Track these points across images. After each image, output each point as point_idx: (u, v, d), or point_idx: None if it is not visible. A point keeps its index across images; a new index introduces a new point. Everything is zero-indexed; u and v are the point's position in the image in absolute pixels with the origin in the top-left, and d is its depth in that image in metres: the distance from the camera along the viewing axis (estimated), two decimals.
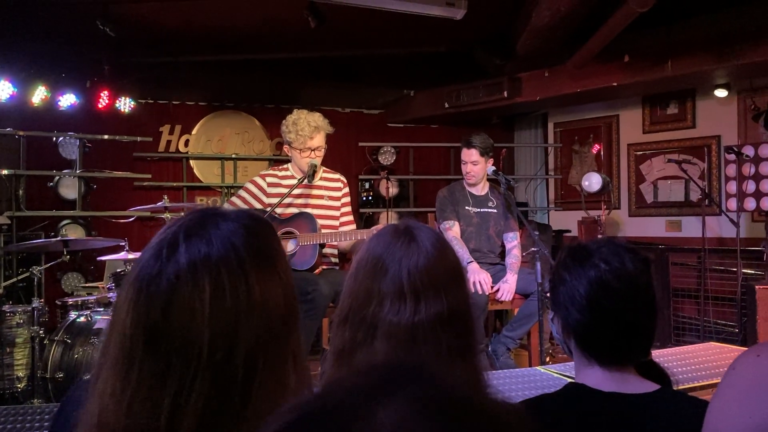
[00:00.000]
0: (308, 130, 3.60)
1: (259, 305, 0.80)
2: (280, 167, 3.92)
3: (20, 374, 4.13)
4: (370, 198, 7.44)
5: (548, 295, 1.52)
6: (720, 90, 6.26)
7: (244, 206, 3.72)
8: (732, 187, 5.39)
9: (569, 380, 2.49)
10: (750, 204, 5.26)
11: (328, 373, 1.23)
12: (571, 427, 1.31)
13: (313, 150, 3.65)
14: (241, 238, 0.83)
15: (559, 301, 1.40)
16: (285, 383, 0.82)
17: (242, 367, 0.77)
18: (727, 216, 5.42)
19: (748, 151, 5.28)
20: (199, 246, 0.81)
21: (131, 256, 4.13)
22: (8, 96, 5.43)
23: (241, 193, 3.80)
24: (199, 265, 0.79)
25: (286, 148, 3.78)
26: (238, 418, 0.77)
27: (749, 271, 5.44)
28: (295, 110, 3.71)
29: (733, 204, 5.36)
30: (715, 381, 2.45)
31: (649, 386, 1.36)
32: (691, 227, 6.58)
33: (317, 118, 3.66)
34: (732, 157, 5.35)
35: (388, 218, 6.79)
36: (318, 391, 0.50)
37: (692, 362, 2.88)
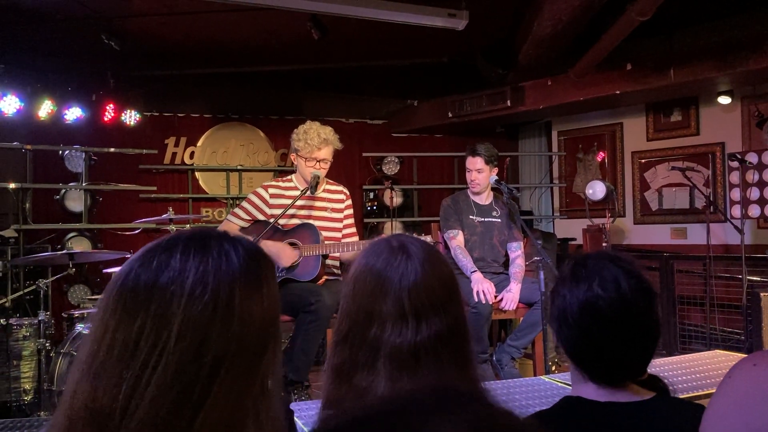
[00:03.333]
0: (317, 140, 3.63)
1: (237, 315, 0.82)
2: (284, 178, 3.94)
3: (27, 387, 4.15)
4: (375, 208, 7.46)
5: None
6: (723, 97, 6.26)
7: (247, 217, 3.75)
8: (736, 194, 5.38)
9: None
10: (754, 211, 5.25)
11: (328, 390, 1.23)
12: None
13: (319, 161, 3.68)
14: (238, 257, 0.86)
15: (554, 315, 1.39)
16: (244, 406, 0.82)
17: (207, 367, 0.79)
18: (732, 223, 5.41)
19: (752, 158, 5.27)
20: (195, 254, 0.84)
21: None
22: (15, 110, 5.48)
23: (244, 204, 3.82)
24: (190, 265, 0.83)
25: (292, 156, 3.81)
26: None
27: (755, 278, 5.42)
28: (308, 121, 3.75)
29: (737, 211, 5.35)
30: None
31: (645, 395, 1.36)
32: (696, 234, 6.57)
33: (328, 132, 3.70)
34: (735, 164, 5.35)
35: (392, 228, 6.80)
36: (375, 400, 0.52)
37: (698, 370, 2.87)
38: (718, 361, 3.09)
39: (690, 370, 2.87)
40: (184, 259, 0.83)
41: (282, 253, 3.54)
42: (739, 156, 5.33)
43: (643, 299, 1.32)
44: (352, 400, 1.18)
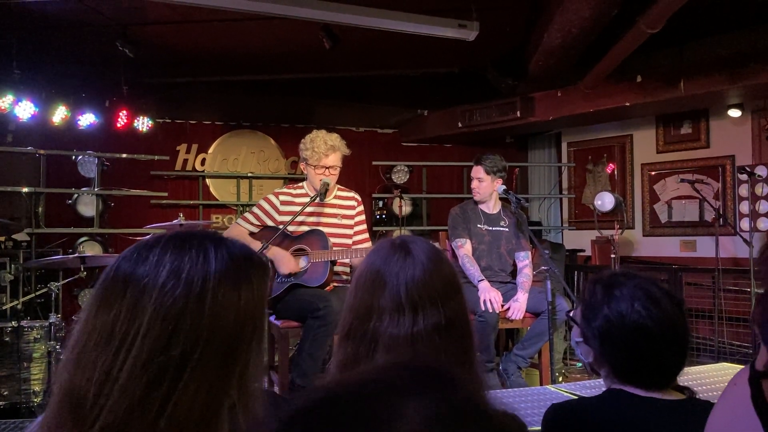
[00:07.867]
0: (324, 148, 3.66)
1: (208, 309, 0.84)
2: (295, 185, 3.97)
3: (36, 388, 4.18)
4: (384, 216, 7.48)
5: (570, 315, 1.57)
6: (733, 110, 6.25)
7: (257, 222, 3.77)
8: (745, 207, 5.37)
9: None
10: (764, 224, 5.24)
11: None
12: (613, 428, 1.38)
13: (328, 168, 3.70)
14: (216, 256, 0.88)
15: (593, 335, 1.45)
16: (218, 399, 0.84)
17: (177, 358, 0.81)
18: (741, 236, 5.39)
19: (761, 171, 5.27)
20: (173, 250, 0.87)
21: None
22: (30, 115, 5.55)
23: (254, 209, 3.85)
24: (166, 260, 0.86)
25: (302, 165, 3.84)
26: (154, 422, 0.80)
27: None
28: (314, 130, 3.78)
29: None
30: None
31: (678, 396, 1.44)
32: (705, 247, 6.54)
33: (334, 139, 3.72)
34: (745, 177, 5.34)
35: None
36: (343, 378, 0.53)
37: (705, 383, 2.87)
38: (726, 374, 3.08)
39: (697, 383, 2.86)
40: (161, 254, 0.86)
41: (283, 261, 3.57)
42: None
43: (680, 312, 1.43)
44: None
